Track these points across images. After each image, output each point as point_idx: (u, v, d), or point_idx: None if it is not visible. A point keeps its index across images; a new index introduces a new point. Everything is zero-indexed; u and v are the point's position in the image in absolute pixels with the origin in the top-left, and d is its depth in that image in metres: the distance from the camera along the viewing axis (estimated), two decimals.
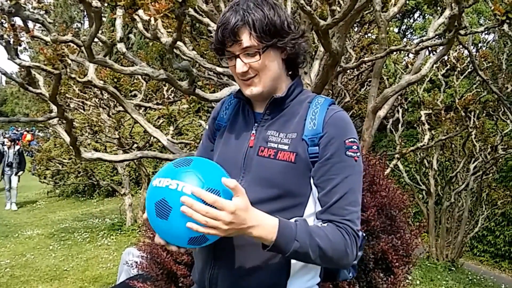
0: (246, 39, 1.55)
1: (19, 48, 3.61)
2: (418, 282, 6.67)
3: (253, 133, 1.70)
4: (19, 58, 3.44)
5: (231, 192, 1.40)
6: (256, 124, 1.71)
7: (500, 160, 10.26)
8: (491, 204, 10.69)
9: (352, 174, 1.58)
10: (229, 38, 1.56)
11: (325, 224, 1.56)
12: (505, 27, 5.99)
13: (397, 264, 3.07)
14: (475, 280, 8.57)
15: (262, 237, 1.45)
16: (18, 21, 3.57)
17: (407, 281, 3.26)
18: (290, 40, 1.62)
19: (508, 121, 9.16)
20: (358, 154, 1.60)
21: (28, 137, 36.04)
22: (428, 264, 8.63)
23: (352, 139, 1.59)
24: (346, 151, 1.57)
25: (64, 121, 3.79)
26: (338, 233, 1.52)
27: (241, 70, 1.59)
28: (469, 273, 9.14)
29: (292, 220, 1.54)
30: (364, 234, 1.84)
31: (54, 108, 3.86)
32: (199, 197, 1.35)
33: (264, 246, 1.48)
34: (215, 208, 1.35)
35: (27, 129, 41.29)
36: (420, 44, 4.76)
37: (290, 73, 1.76)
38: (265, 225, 1.44)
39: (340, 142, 1.57)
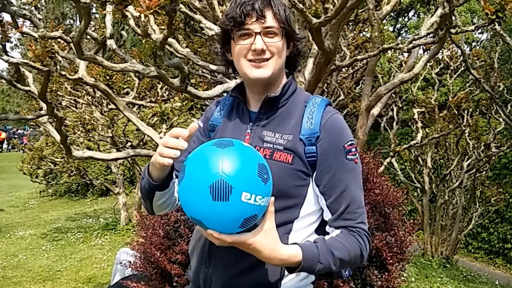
0: (270, 18, 1.59)
1: (10, 45, 3.59)
2: (413, 279, 6.69)
3: (248, 132, 1.69)
4: (7, 55, 3.41)
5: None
6: (251, 123, 1.71)
7: (493, 158, 10.29)
8: (485, 201, 10.71)
9: (355, 177, 1.62)
10: (254, 13, 1.56)
11: (338, 231, 1.60)
12: (497, 26, 6.00)
13: (391, 261, 3.07)
14: (469, 276, 8.60)
15: (287, 264, 1.51)
16: (6, 17, 3.55)
17: (402, 278, 3.26)
18: (298, 37, 1.69)
19: (501, 119, 9.18)
20: (357, 155, 1.63)
21: (3, 135, 36.58)
22: (423, 261, 8.65)
23: (350, 142, 1.61)
24: (346, 155, 1.59)
25: (55, 119, 3.76)
26: (353, 239, 1.57)
27: (260, 47, 1.58)
28: (464, 269, 9.16)
29: (311, 239, 1.58)
30: None
31: (44, 105, 3.83)
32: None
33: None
34: None
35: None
36: (412, 42, 4.75)
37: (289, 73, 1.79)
38: (288, 260, 1.49)
39: (340, 147, 1.59)
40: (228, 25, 1.62)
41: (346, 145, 1.59)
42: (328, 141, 1.58)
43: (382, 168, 5.84)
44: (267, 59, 1.61)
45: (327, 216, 1.63)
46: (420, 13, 20.76)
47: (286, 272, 1.60)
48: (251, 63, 1.63)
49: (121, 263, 4.01)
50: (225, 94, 3.64)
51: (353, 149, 1.61)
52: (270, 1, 1.59)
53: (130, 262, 3.48)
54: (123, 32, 14.65)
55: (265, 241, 1.45)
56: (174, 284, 3.06)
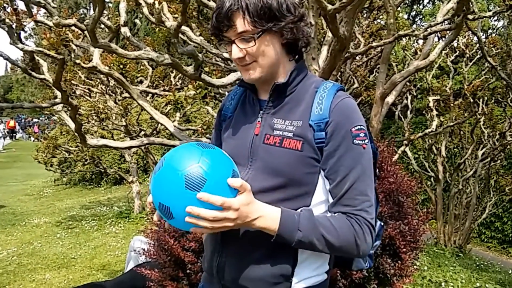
0: (240, 24, 1.51)
1: (24, 34, 3.59)
2: (425, 267, 6.65)
3: (258, 121, 1.67)
4: (22, 43, 3.41)
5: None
6: (261, 112, 1.69)
7: (508, 146, 10.16)
8: (499, 190, 10.63)
9: (361, 162, 1.56)
10: (223, 23, 1.52)
11: (335, 214, 1.55)
12: None
13: (404, 249, 3.06)
14: (482, 266, 8.55)
15: (266, 228, 1.49)
16: (21, 5, 3.56)
17: (414, 266, 3.25)
18: (288, 24, 1.55)
19: None
20: (366, 141, 1.57)
21: (12, 123, 37.47)
22: (436, 250, 8.60)
23: (359, 127, 1.55)
24: (353, 140, 1.54)
25: (69, 107, 3.77)
26: (346, 223, 1.52)
27: (236, 56, 1.56)
28: (477, 259, 9.11)
29: (298, 210, 1.55)
30: (382, 223, 1.82)
31: (59, 94, 3.84)
32: (207, 202, 1.37)
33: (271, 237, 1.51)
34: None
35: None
36: (428, 29, 4.70)
37: (296, 57, 1.71)
38: (267, 216, 1.48)
39: (347, 131, 1.54)
40: (213, 35, 1.63)
41: (353, 129, 1.54)
42: (335, 124, 1.54)
43: (396, 156, 5.81)
44: (251, 63, 1.59)
45: (330, 200, 1.59)
46: (435, 0, 20.56)
47: (299, 261, 1.60)
48: (241, 67, 1.62)
49: (135, 250, 4.03)
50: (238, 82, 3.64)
51: (362, 134, 1.55)
52: (239, 4, 1.49)
53: (144, 249, 3.50)
54: (137, 21, 14.65)
55: (251, 199, 1.47)
56: (188, 271, 3.07)
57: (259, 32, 1.52)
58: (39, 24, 3.92)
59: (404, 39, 9.16)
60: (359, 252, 1.54)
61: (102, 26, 4.06)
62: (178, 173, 1.39)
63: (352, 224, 1.51)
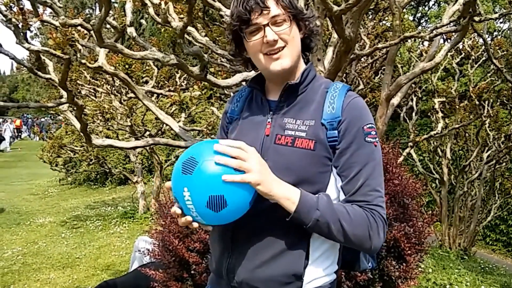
0: (274, 7, 1.57)
1: (30, 34, 3.60)
2: (430, 270, 6.62)
3: (268, 121, 1.68)
4: (28, 43, 3.42)
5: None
6: (271, 112, 1.70)
7: None
8: (504, 193, 10.60)
9: (373, 159, 1.58)
10: (257, 6, 1.55)
11: (352, 205, 1.56)
12: None
13: (409, 252, 3.05)
14: (487, 268, 8.52)
15: (287, 198, 1.49)
16: (27, 5, 3.56)
17: (419, 269, 3.24)
18: (307, 17, 1.65)
19: None
20: (377, 139, 1.60)
21: (17, 122, 38.07)
22: (441, 253, 8.58)
23: (370, 125, 1.59)
24: (365, 137, 1.57)
25: (75, 107, 3.77)
26: (361, 213, 1.53)
27: (272, 38, 1.57)
28: (481, 261, 9.08)
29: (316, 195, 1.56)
30: None
31: (64, 94, 3.84)
32: (223, 152, 1.44)
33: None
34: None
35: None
36: (434, 30, 4.69)
37: (306, 58, 1.77)
38: (287, 187, 1.51)
39: (359, 129, 1.56)
40: (236, 25, 1.62)
41: (365, 127, 1.57)
42: (348, 122, 1.56)
43: (401, 158, 5.80)
44: (282, 48, 1.60)
45: (341, 197, 1.60)
46: (441, 2, 20.53)
47: (310, 261, 1.60)
48: (268, 57, 1.62)
49: (139, 250, 4.04)
50: (244, 83, 3.64)
51: (373, 132, 1.58)
52: None
53: (148, 250, 3.50)
54: (142, 21, 14.67)
55: (268, 171, 1.50)
56: (192, 272, 3.08)
57: (292, 15, 1.60)
58: (45, 23, 3.93)
59: (409, 40, 9.17)
60: (370, 246, 1.55)
61: (108, 26, 4.06)
62: (211, 160, 1.44)
63: (367, 216, 1.52)
